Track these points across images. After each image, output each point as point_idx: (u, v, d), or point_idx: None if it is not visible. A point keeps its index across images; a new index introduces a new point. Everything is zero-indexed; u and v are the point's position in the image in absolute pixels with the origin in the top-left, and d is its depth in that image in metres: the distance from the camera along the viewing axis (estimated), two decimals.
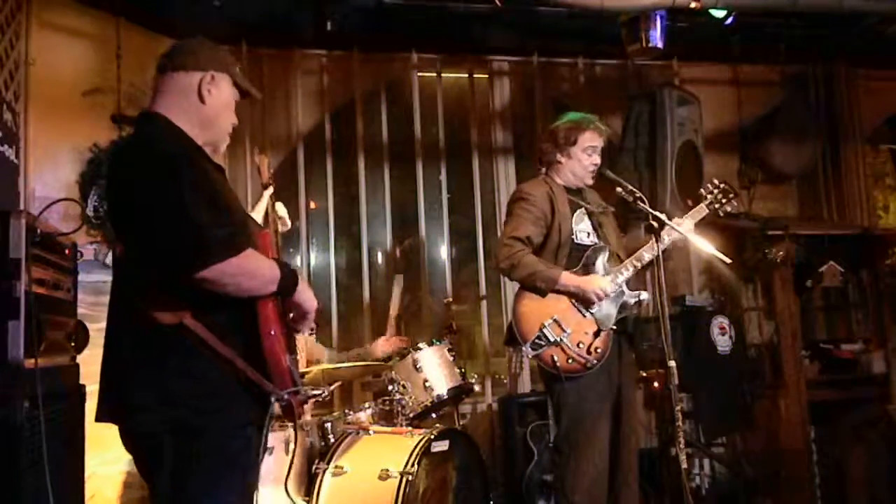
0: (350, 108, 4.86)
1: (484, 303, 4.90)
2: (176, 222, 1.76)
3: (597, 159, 3.32)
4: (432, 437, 3.21)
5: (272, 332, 1.84)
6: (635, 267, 3.21)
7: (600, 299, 3.14)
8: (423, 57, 4.97)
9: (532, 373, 4.81)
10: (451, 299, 4.30)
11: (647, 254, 3.19)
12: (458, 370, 3.70)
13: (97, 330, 3.36)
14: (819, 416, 4.44)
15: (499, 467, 4.52)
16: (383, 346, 3.91)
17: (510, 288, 4.87)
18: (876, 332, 4.71)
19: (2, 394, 2.29)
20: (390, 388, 3.56)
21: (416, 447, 3.13)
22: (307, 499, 3.17)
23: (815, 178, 5.39)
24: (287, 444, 3.16)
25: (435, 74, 5.01)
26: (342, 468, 3.19)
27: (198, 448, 1.80)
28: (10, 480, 2.26)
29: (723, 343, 4.40)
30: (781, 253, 4.47)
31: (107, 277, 3.91)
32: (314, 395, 2.02)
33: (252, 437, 1.86)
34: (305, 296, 1.99)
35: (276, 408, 1.91)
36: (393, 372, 3.59)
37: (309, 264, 4.79)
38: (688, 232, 3.18)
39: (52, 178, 3.81)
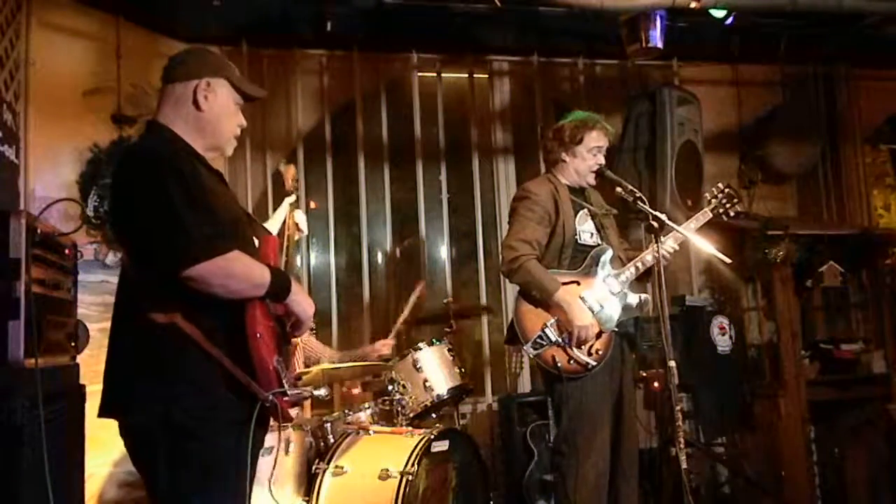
0: (350, 108, 4.86)
1: (484, 300, 4.90)
2: (163, 222, 1.82)
3: (601, 159, 3.31)
4: (432, 437, 3.21)
5: (258, 335, 1.87)
6: (637, 269, 3.21)
7: (580, 339, 3.08)
8: (423, 57, 4.97)
9: (532, 373, 4.82)
10: (451, 299, 4.30)
11: (649, 256, 3.19)
12: (458, 370, 3.71)
13: (97, 330, 3.38)
14: (819, 416, 4.44)
15: (499, 467, 4.52)
16: (382, 348, 3.90)
17: (510, 289, 4.88)
18: (876, 332, 4.71)
19: (2, 394, 2.29)
20: (390, 388, 3.56)
21: (416, 447, 3.13)
22: (307, 499, 3.17)
23: (815, 178, 5.39)
24: (287, 444, 3.16)
25: (435, 74, 5.01)
26: (342, 468, 3.19)
27: (190, 446, 1.83)
28: (10, 480, 2.26)
29: (723, 343, 4.40)
30: (781, 253, 4.47)
31: (107, 277, 3.94)
32: (305, 397, 2.02)
33: (244, 436, 1.88)
34: (299, 303, 2.02)
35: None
36: (393, 372, 3.59)
37: (309, 264, 4.79)
38: (690, 234, 3.18)
39: (52, 178, 3.81)
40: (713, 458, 4.51)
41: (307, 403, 3.68)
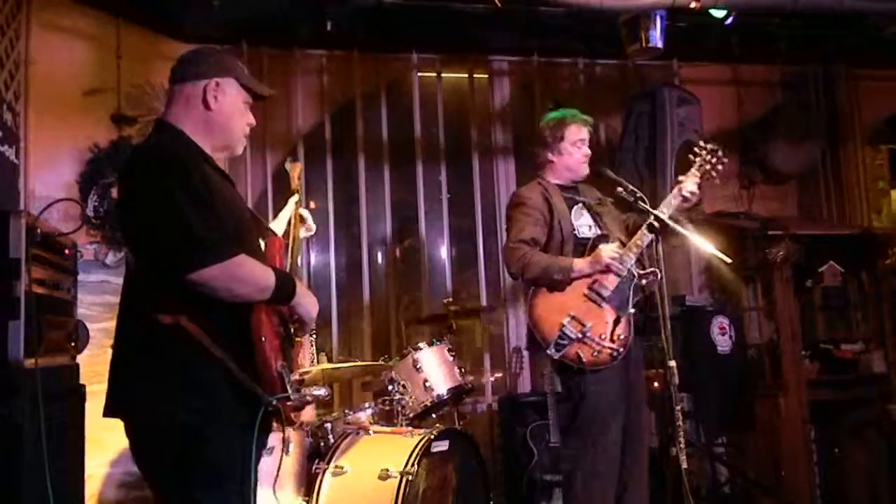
0: (350, 108, 4.86)
1: (484, 301, 4.90)
2: (168, 225, 1.81)
3: (587, 151, 3.35)
4: (432, 437, 3.21)
5: (263, 338, 1.87)
6: (637, 247, 3.19)
7: (619, 263, 3.12)
8: (423, 57, 4.97)
9: (533, 373, 4.82)
10: (451, 299, 4.29)
11: (647, 238, 3.18)
12: (458, 370, 3.71)
13: (97, 330, 3.38)
14: (819, 416, 4.44)
15: (499, 467, 4.52)
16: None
17: (510, 288, 4.88)
18: (876, 332, 4.71)
19: (2, 394, 2.29)
20: (390, 388, 3.56)
21: (416, 447, 3.13)
22: (307, 499, 3.17)
23: (815, 178, 5.39)
24: (287, 444, 3.16)
25: (435, 74, 5.01)
26: (342, 468, 3.19)
27: (195, 447, 1.83)
28: (10, 480, 2.27)
29: (723, 343, 4.40)
30: (781, 253, 4.47)
31: (107, 277, 3.94)
32: (308, 401, 2.02)
33: (248, 439, 1.88)
34: (304, 305, 2.03)
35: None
36: (393, 372, 3.59)
37: (309, 264, 4.79)
38: (689, 234, 3.17)
39: (52, 178, 3.81)
40: (713, 458, 4.51)
41: (310, 408, 3.68)
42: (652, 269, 3.20)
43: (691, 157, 3.36)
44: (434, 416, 3.79)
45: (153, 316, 1.83)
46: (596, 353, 3.09)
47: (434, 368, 3.63)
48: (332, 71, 4.83)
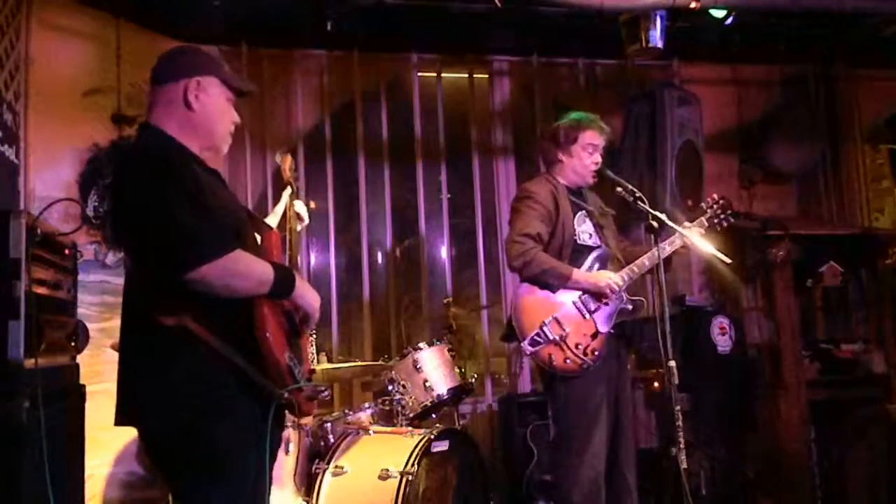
0: (350, 108, 4.86)
1: (484, 300, 4.90)
2: (161, 226, 1.80)
3: (598, 158, 3.32)
4: (432, 437, 3.21)
5: (267, 333, 1.86)
6: (634, 272, 3.21)
7: (613, 292, 3.15)
8: (423, 57, 4.97)
9: (532, 373, 4.82)
10: (451, 299, 4.30)
11: (647, 260, 3.20)
12: (457, 370, 3.70)
13: (97, 330, 3.38)
14: (819, 416, 4.44)
15: (499, 467, 4.52)
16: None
17: (510, 288, 4.88)
18: (876, 332, 4.71)
19: (2, 394, 2.29)
20: (390, 388, 3.56)
21: (416, 447, 3.13)
22: (307, 499, 3.17)
23: (815, 178, 5.39)
24: (287, 444, 3.16)
25: (435, 74, 5.01)
26: (342, 468, 3.19)
27: (208, 448, 1.82)
28: (10, 480, 2.27)
29: (723, 343, 4.40)
30: (781, 253, 4.47)
31: (107, 277, 3.94)
32: (321, 390, 2.02)
33: (262, 435, 1.88)
34: (305, 297, 2.02)
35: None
36: (393, 372, 3.59)
37: (309, 264, 4.79)
38: (689, 234, 3.18)
39: (52, 178, 3.81)
40: (713, 458, 4.51)
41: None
42: (639, 297, 3.24)
43: (703, 205, 3.37)
44: (434, 416, 3.79)
45: (155, 318, 1.81)
46: (567, 360, 3.09)
47: (434, 368, 3.62)
48: (332, 71, 4.84)
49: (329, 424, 3.43)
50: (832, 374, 4.57)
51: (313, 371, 3.21)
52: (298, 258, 4.63)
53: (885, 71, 5.40)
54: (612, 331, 3.20)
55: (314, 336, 3.93)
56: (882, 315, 4.69)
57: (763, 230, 4.56)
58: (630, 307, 3.23)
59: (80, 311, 3.07)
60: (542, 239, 3.20)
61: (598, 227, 3.35)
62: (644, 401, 4.68)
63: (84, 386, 2.90)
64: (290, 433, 3.18)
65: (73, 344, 2.86)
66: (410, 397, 3.55)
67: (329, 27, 4.38)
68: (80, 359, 2.93)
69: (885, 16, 4.41)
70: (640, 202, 3.06)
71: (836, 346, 4.63)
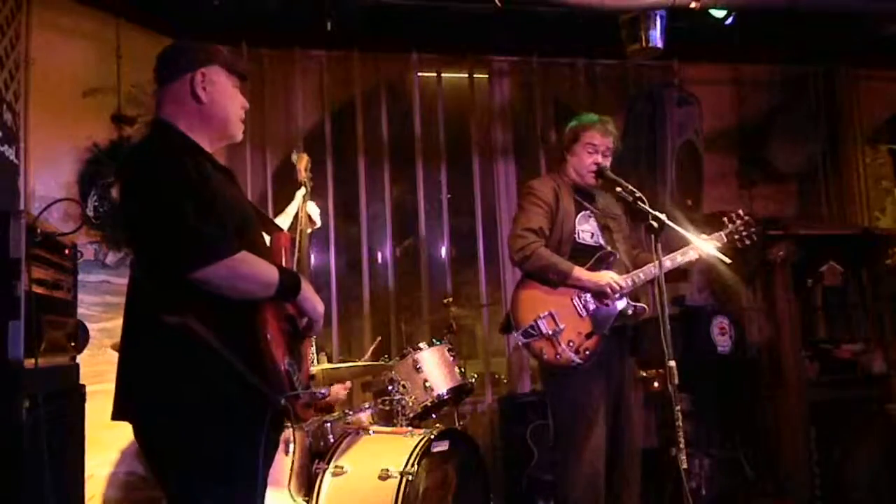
0: (350, 108, 4.86)
1: (484, 300, 4.90)
2: (168, 225, 1.80)
3: (598, 158, 3.32)
4: (432, 437, 3.21)
5: (269, 337, 1.86)
6: (640, 279, 3.21)
7: (615, 292, 3.16)
8: (423, 57, 4.97)
9: (533, 373, 4.81)
10: (451, 299, 4.30)
11: (655, 269, 3.19)
12: (458, 370, 3.70)
13: (97, 330, 3.38)
14: (819, 416, 4.43)
15: (499, 467, 4.52)
16: (338, 392, 3.84)
17: (510, 288, 4.88)
18: (876, 332, 4.71)
19: (2, 394, 2.29)
20: (390, 388, 3.56)
21: (416, 447, 3.13)
22: (307, 499, 3.17)
23: (815, 178, 5.39)
24: (287, 444, 3.16)
25: (435, 74, 5.01)
26: (342, 468, 3.19)
27: (203, 448, 1.82)
28: (10, 480, 2.26)
29: (723, 343, 4.40)
30: (781, 253, 4.46)
31: (107, 277, 3.94)
32: (318, 397, 2.02)
33: (257, 437, 1.87)
34: (309, 301, 2.01)
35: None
36: (393, 372, 3.59)
37: (309, 264, 4.78)
38: (690, 235, 3.18)
39: (52, 178, 3.81)
40: (713, 458, 4.51)
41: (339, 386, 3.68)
42: (641, 304, 3.25)
43: (725, 220, 3.33)
44: (434, 416, 3.79)
45: (159, 317, 1.81)
46: (557, 356, 3.11)
47: (434, 368, 3.62)
48: (332, 71, 4.83)
49: (329, 424, 3.43)
50: (832, 374, 4.56)
51: (312, 377, 3.22)
52: (306, 260, 4.64)
53: (885, 71, 5.40)
54: (607, 333, 3.20)
55: (314, 336, 3.92)
56: (882, 315, 4.69)
57: (763, 230, 4.55)
58: (631, 311, 3.23)
59: (80, 311, 3.06)
60: (544, 234, 3.24)
61: (604, 229, 3.36)
62: (644, 401, 4.67)
63: (84, 386, 2.90)
64: (290, 433, 3.18)
65: (73, 344, 2.86)
66: (410, 397, 3.55)
67: (329, 27, 4.38)
68: (80, 359, 2.93)
69: (885, 16, 4.41)
70: (640, 202, 3.06)
71: (836, 346, 4.63)
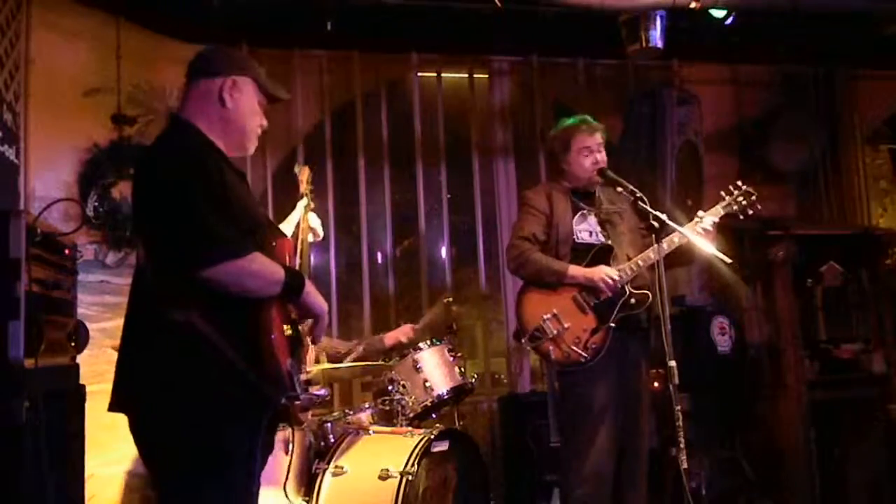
0: (350, 108, 4.86)
1: (485, 300, 4.90)
2: (185, 222, 1.82)
3: (597, 157, 3.33)
4: (432, 437, 3.21)
5: (273, 336, 1.87)
6: (639, 266, 3.22)
7: (608, 286, 3.17)
8: (423, 57, 4.97)
9: (533, 373, 4.81)
10: (451, 299, 4.29)
11: (652, 254, 3.20)
12: (458, 370, 3.70)
13: (97, 330, 3.38)
14: (819, 416, 4.43)
15: (499, 467, 4.51)
16: (401, 336, 3.93)
17: (511, 288, 4.88)
18: (876, 332, 4.70)
19: (2, 394, 2.29)
20: (390, 388, 3.56)
21: (416, 447, 3.13)
22: (307, 499, 3.17)
23: (815, 178, 5.39)
24: (287, 444, 3.16)
25: (435, 74, 5.01)
26: (342, 468, 3.19)
27: (200, 445, 1.82)
28: (10, 480, 2.27)
29: (723, 343, 4.40)
30: (781, 253, 4.46)
31: (107, 277, 3.94)
32: (316, 401, 2.03)
33: (255, 436, 1.88)
34: (313, 300, 2.02)
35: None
36: (393, 372, 3.59)
37: (309, 264, 4.78)
38: (690, 234, 3.18)
39: (52, 178, 3.81)
40: (713, 458, 4.51)
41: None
42: (645, 291, 3.23)
43: (722, 193, 3.34)
44: (434, 416, 3.79)
45: (164, 313, 1.82)
46: (565, 355, 3.14)
47: (434, 368, 3.62)
48: (332, 71, 4.83)
49: (329, 424, 3.43)
50: (832, 374, 4.56)
51: (309, 382, 3.23)
52: (298, 260, 4.64)
53: (885, 71, 5.40)
54: (613, 325, 3.20)
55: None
56: (882, 315, 4.69)
57: (763, 230, 4.56)
58: (633, 301, 3.23)
59: (80, 311, 3.07)
60: (537, 239, 3.29)
61: (605, 224, 3.36)
62: None
63: (84, 386, 2.90)
64: (289, 433, 3.18)
65: (73, 344, 2.86)
66: (410, 397, 3.55)
67: (329, 27, 4.38)
68: (80, 359, 2.93)
69: (885, 16, 4.41)
70: (640, 202, 3.07)
71: (836, 346, 4.63)
